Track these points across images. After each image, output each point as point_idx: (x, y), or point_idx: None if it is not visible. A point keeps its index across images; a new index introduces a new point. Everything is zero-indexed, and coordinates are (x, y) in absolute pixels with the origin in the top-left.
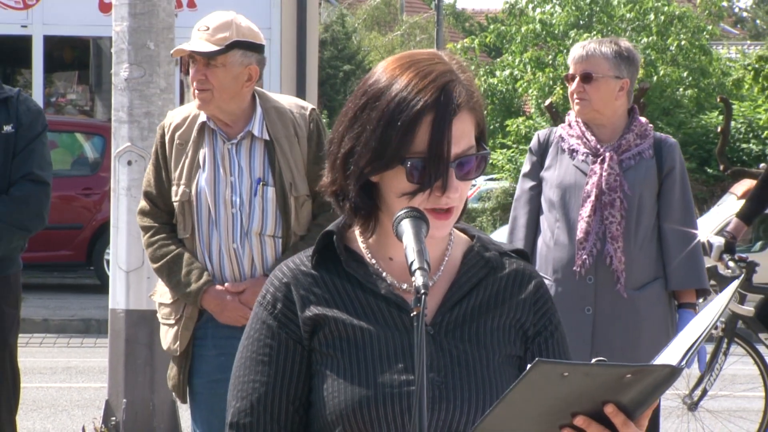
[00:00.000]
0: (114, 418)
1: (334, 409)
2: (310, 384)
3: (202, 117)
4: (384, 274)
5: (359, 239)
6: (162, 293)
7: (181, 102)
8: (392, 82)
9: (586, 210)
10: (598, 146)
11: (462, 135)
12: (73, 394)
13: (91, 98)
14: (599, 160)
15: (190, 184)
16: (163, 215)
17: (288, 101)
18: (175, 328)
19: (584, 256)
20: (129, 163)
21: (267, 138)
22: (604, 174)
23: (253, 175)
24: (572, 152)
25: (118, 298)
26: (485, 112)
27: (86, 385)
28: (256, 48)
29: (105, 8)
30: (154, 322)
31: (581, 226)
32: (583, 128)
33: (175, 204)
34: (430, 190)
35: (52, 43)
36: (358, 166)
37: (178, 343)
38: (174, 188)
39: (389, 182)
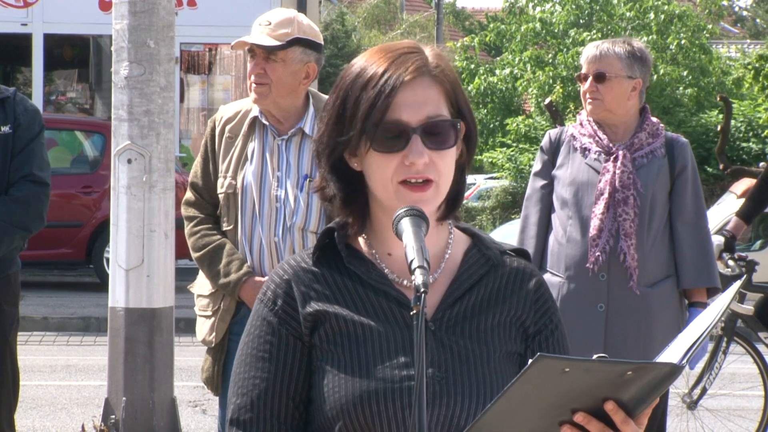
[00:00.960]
0: (113, 417)
1: (334, 404)
2: (310, 380)
3: (255, 112)
4: (385, 270)
5: (359, 236)
6: (200, 285)
7: (181, 100)
8: (355, 64)
9: (599, 207)
10: (611, 145)
11: (425, 101)
12: (72, 392)
13: (91, 96)
14: (612, 158)
15: (237, 176)
16: (208, 207)
17: None
18: (212, 319)
19: (597, 253)
20: (129, 161)
21: None
22: (618, 172)
23: (301, 171)
24: (584, 151)
25: (117, 296)
26: (485, 111)
27: (86, 383)
28: (316, 47)
29: (105, 6)
30: (153, 321)
31: (594, 223)
32: (595, 127)
33: (220, 196)
34: (397, 159)
35: (52, 41)
36: (330, 148)
37: (213, 334)
38: (220, 180)
39: (367, 166)
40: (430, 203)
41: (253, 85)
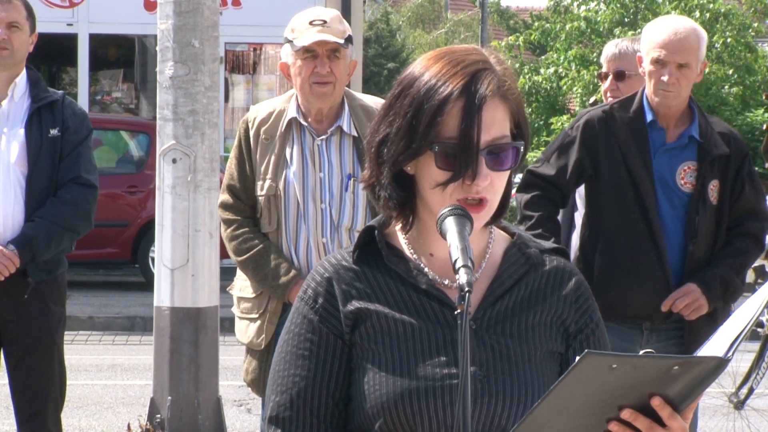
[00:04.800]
0: (159, 416)
1: (375, 402)
2: (350, 378)
3: (291, 113)
4: (425, 269)
5: (400, 235)
6: (242, 288)
7: (226, 100)
8: (425, 71)
9: None
10: None
11: (493, 123)
12: (118, 392)
13: (136, 96)
14: None
15: (277, 178)
16: (247, 209)
17: (373, 100)
18: (259, 322)
19: None
20: (174, 161)
21: (355, 134)
22: None
23: (344, 170)
24: None
25: (162, 295)
26: (529, 110)
27: (131, 383)
28: (353, 43)
29: (150, 6)
30: (198, 320)
31: None
32: None
33: (261, 198)
34: (462, 179)
35: (97, 41)
36: (391, 153)
37: (262, 336)
38: (260, 183)
39: (423, 173)
40: (482, 220)
41: (315, 84)
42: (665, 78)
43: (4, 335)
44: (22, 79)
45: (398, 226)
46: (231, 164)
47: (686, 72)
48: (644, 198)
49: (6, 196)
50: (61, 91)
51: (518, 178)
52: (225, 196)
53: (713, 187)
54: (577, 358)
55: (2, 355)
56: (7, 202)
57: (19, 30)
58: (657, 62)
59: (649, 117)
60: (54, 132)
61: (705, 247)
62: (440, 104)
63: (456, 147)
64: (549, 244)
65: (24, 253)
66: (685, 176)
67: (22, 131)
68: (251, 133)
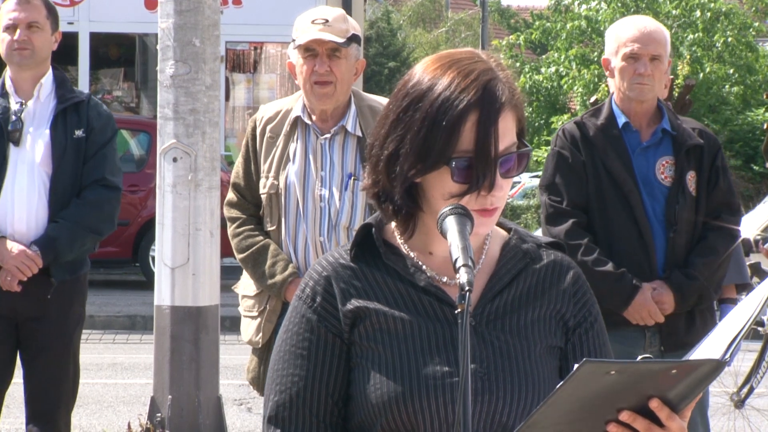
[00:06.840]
0: (159, 415)
1: (376, 401)
2: (349, 377)
3: (296, 111)
4: (423, 266)
5: (397, 233)
6: (245, 286)
7: (227, 99)
8: (434, 82)
9: None
10: None
11: (505, 133)
12: (118, 391)
13: (137, 95)
14: None
15: (279, 176)
16: (251, 207)
17: (383, 101)
18: (258, 320)
19: None
20: (174, 159)
21: (360, 135)
22: None
23: (345, 169)
24: None
25: (163, 294)
26: (530, 109)
27: (132, 382)
28: (361, 42)
29: (151, 5)
30: (199, 319)
31: None
32: None
33: (263, 196)
34: (478, 191)
35: (98, 40)
36: (404, 168)
37: (260, 335)
38: (262, 180)
39: (434, 183)
40: (491, 226)
41: (315, 84)
42: (641, 70)
43: (22, 333)
44: (47, 79)
45: (400, 228)
46: (238, 163)
47: (658, 65)
48: (629, 197)
49: (30, 197)
50: (86, 92)
51: (517, 177)
52: (230, 195)
53: (691, 178)
54: (576, 366)
55: (18, 353)
56: (31, 202)
57: (39, 30)
58: (630, 57)
59: (621, 121)
60: (79, 133)
61: (686, 235)
62: (457, 119)
63: (472, 160)
64: (546, 238)
65: (46, 254)
66: (664, 170)
67: (47, 132)
68: (258, 131)
